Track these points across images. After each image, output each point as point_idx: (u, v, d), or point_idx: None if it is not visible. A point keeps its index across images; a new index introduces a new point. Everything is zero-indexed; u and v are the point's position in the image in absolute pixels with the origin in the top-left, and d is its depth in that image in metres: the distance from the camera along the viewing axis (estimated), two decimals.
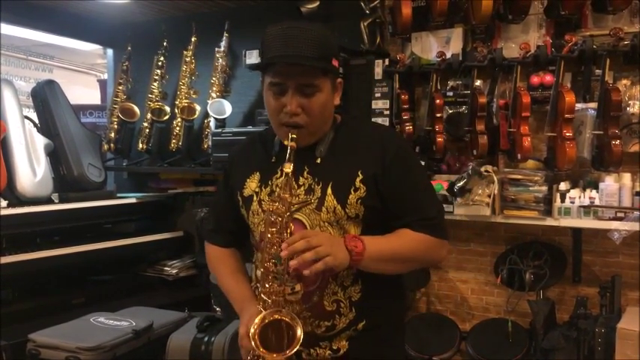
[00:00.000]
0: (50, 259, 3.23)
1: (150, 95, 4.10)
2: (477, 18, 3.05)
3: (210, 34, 3.96)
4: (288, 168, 1.45)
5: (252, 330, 1.40)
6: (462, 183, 3.01)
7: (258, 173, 1.62)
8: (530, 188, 2.93)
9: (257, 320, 1.41)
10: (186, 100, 3.97)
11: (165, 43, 4.11)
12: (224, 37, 3.92)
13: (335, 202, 1.50)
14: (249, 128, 3.60)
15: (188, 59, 4.01)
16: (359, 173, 1.52)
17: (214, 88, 3.89)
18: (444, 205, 3.06)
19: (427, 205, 1.57)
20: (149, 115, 4.09)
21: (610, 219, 2.75)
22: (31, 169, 3.45)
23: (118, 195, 4.02)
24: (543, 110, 2.97)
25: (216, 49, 3.93)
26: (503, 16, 3.06)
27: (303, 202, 1.52)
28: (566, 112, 2.77)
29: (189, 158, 3.98)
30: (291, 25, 1.46)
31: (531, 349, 2.93)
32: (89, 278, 3.72)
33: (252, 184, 1.62)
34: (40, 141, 3.62)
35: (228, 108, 3.78)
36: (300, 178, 1.53)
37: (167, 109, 4.07)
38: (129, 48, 4.26)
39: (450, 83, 3.27)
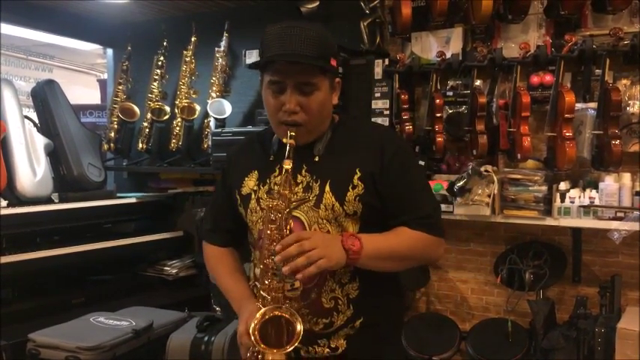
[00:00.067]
0: (50, 259, 3.23)
1: (150, 95, 4.10)
2: (476, 18, 3.05)
3: (210, 34, 3.96)
4: (288, 164, 1.46)
5: (252, 325, 1.41)
6: (461, 183, 3.01)
7: (256, 172, 1.63)
8: (530, 188, 2.93)
9: (257, 316, 1.41)
10: (186, 100, 3.97)
11: (165, 43, 4.11)
12: (224, 37, 3.92)
13: (333, 199, 1.52)
14: (249, 128, 3.60)
15: (188, 59, 4.01)
16: (357, 171, 1.53)
17: (214, 88, 3.89)
18: (444, 205, 3.08)
19: (425, 203, 1.59)
20: (149, 115, 4.09)
21: (610, 219, 2.75)
22: (31, 169, 3.45)
23: (118, 195, 4.02)
24: (543, 110, 2.97)
25: (216, 48, 3.93)
26: (503, 16, 3.06)
27: (302, 200, 1.53)
28: (566, 111, 2.77)
29: (189, 158, 3.98)
30: (291, 25, 1.48)
31: (531, 349, 2.93)
32: (89, 278, 3.72)
33: (250, 182, 1.63)
34: (40, 141, 3.62)
35: (228, 108, 3.78)
36: (298, 176, 1.55)
37: (167, 108, 4.07)
38: (129, 48, 4.26)
39: (450, 83, 3.27)
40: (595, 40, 2.85)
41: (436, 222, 1.59)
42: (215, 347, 2.87)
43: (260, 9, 3.86)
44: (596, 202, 2.81)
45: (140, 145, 4.11)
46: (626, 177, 2.80)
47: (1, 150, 3.33)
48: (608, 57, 2.75)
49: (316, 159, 1.56)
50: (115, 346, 2.74)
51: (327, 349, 1.56)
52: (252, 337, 1.40)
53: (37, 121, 3.81)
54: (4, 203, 3.28)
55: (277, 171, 1.57)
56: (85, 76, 7.23)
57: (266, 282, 1.46)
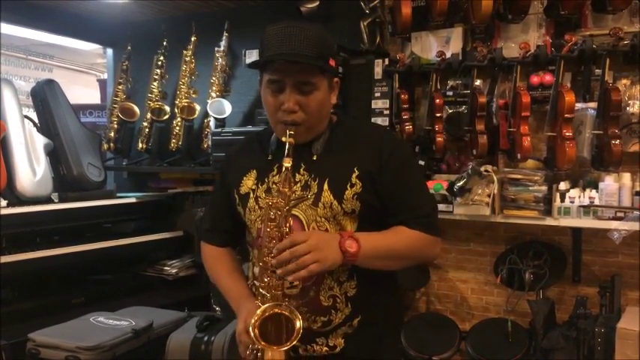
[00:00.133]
0: (50, 259, 3.23)
1: (150, 95, 4.10)
2: (476, 18, 3.05)
3: (210, 34, 3.96)
4: (288, 162, 1.47)
5: (252, 322, 1.42)
6: (461, 183, 3.01)
7: (254, 171, 1.64)
8: (530, 188, 2.93)
9: (258, 312, 1.42)
10: (186, 100, 3.97)
11: (165, 43, 4.11)
12: (224, 37, 3.92)
13: (331, 197, 1.53)
14: (249, 128, 3.60)
15: (188, 59, 4.01)
16: (355, 169, 1.54)
17: (214, 88, 3.89)
18: (444, 205, 3.08)
19: (423, 203, 1.61)
20: (149, 115, 4.08)
21: (610, 219, 2.75)
22: (31, 169, 3.45)
23: (118, 195, 4.01)
24: (543, 110, 2.97)
25: (216, 48, 3.93)
26: (503, 16, 3.06)
27: (300, 198, 1.54)
28: (565, 111, 2.77)
29: (189, 158, 3.98)
30: (290, 25, 1.50)
31: (531, 349, 2.93)
32: (89, 278, 3.71)
33: (248, 181, 1.64)
34: (40, 141, 3.62)
35: (227, 108, 3.78)
36: (297, 174, 1.56)
37: (167, 108, 4.07)
38: (129, 48, 4.26)
39: (450, 83, 3.27)
40: (595, 40, 2.85)
41: (434, 221, 1.61)
42: (215, 347, 2.87)
43: (260, 9, 3.86)
44: (596, 202, 2.81)
45: (140, 145, 4.11)
46: (626, 177, 2.80)
47: (1, 150, 3.33)
48: (608, 57, 2.75)
49: (314, 158, 1.57)
50: (114, 346, 2.74)
51: (326, 348, 1.57)
52: (252, 334, 1.41)
53: (36, 121, 3.81)
54: (4, 203, 3.28)
55: (275, 170, 1.59)
56: (84, 76, 7.23)
57: (265, 280, 1.47)
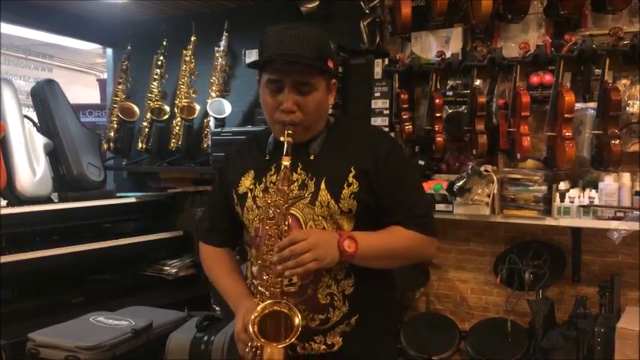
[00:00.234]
0: (50, 259, 3.22)
1: (149, 95, 4.10)
2: (476, 17, 3.05)
3: (209, 34, 3.96)
4: (287, 161, 1.49)
5: (251, 318, 1.43)
6: (461, 182, 3.01)
7: (252, 171, 1.66)
8: (530, 188, 2.93)
9: (258, 309, 1.44)
10: (186, 100, 3.97)
11: (164, 43, 4.11)
12: (224, 37, 3.92)
13: (329, 196, 1.54)
14: (249, 128, 3.60)
15: (188, 59, 4.01)
16: (352, 169, 1.56)
17: (214, 88, 3.89)
18: (444, 205, 3.08)
19: (418, 203, 1.63)
20: (149, 115, 4.08)
21: (609, 219, 2.75)
22: (31, 169, 3.45)
23: (118, 194, 4.01)
24: (543, 110, 2.97)
25: (216, 48, 3.93)
26: (502, 16, 3.06)
27: (297, 197, 1.55)
28: (565, 111, 2.77)
29: (188, 158, 3.98)
30: (290, 26, 1.52)
31: (531, 349, 2.93)
32: (88, 277, 3.71)
33: (246, 181, 1.66)
34: (40, 140, 3.62)
35: (227, 107, 3.78)
36: (294, 174, 1.57)
37: (167, 108, 4.07)
38: (128, 47, 4.26)
39: (450, 83, 3.27)
40: (595, 39, 2.85)
41: (429, 221, 1.63)
42: (215, 347, 2.87)
43: (260, 9, 3.86)
44: (596, 201, 2.81)
45: (140, 145, 4.11)
46: (626, 177, 2.81)
47: (1, 149, 3.33)
48: (608, 57, 2.75)
49: (311, 157, 1.59)
50: (114, 346, 2.74)
51: (324, 346, 1.58)
52: (251, 330, 1.42)
53: (36, 121, 3.81)
54: (4, 203, 3.27)
55: (273, 170, 1.61)
56: (84, 76, 7.23)
57: (264, 277, 1.49)
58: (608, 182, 2.81)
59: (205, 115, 3.91)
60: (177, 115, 3.98)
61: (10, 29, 4.38)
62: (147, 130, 4.10)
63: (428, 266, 3.37)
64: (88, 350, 2.65)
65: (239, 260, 1.85)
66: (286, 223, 1.48)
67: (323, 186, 1.55)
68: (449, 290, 3.43)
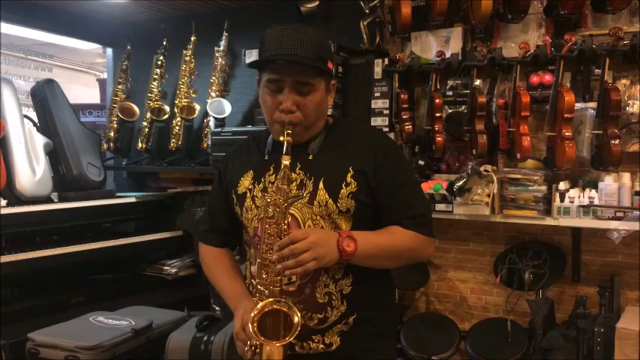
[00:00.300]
0: (49, 259, 3.22)
1: (149, 94, 4.10)
2: (476, 17, 3.04)
3: (209, 34, 3.97)
4: (287, 160, 1.50)
5: (251, 316, 1.44)
6: (461, 182, 3.01)
7: (251, 171, 1.67)
8: (530, 188, 2.93)
9: (258, 307, 1.45)
10: (186, 100, 3.97)
11: (164, 43, 4.11)
12: (224, 37, 3.92)
13: (327, 196, 1.55)
14: (249, 127, 3.60)
15: (187, 58, 4.01)
16: (350, 169, 1.57)
17: (214, 88, 3.89)
18: (444, 205, 3.08)
19: (417, 203, 1.64)
20: (149, 115, 4.09)
21: (609, 218, 2.75)
22: (31, 169, 3.45)
23: (118, 194, 4.02)
24: (543, 110, 2.97)
25: (216, 48, 3.93)
26: (502, 16, 3.06)
27: (296, 197, 1.56)
28: (565, 111, 2.77)
29: (188, 157, 3.99)
30: (290, 27, 1.53)
31: (530, 349, 2.93)
32: (88, 277, 3.72)
33: (245, 181, 1.66)
34: (40, 140, 3.62)
35: (227, 107, 3.78)
36: (293, 173, 1.57)
37: (167, 108, 4.07)
38: (128, 47, 4.26)
39: (450, 83, 3.27)
40: (595, 39, 2.84)
41: (427, 222, 1.64)
42: (214, 347, 2.87)
43: (260, 9, 3.86)
44: (596, 201, 2.81)
45: (140, 145, 4.11)
46: (626, 177, 2.80)
47: (1, 149, 3.33)
48: (608, 57, 2.75)
49: (310, 157, 1.60)
50: (114, 346, 2.75)
51: (322, 345, 1.58)
52: (251, 329, 1.43)
53: (36, 121, 3.81)
54: (4, 203, 3.27)
55: (272, 170, 1.62)
56: (84, 76, 7.23)
57: (263, 276, 1.49)
58: (608, 182, 2.81)
59: (205, 115, 3.92)
60: (177, 115, 3.98)
61: (10, 29, 4.38)
62: (147, 130, 4.11)
63: (427, 266, 3.37)
64: (87, 350, 2.65)
65: (238, 260, 1.85)
66: (286, 222, 1.49)
67: (321, 186, 1.56)
68: (449, 290, 3.43)
